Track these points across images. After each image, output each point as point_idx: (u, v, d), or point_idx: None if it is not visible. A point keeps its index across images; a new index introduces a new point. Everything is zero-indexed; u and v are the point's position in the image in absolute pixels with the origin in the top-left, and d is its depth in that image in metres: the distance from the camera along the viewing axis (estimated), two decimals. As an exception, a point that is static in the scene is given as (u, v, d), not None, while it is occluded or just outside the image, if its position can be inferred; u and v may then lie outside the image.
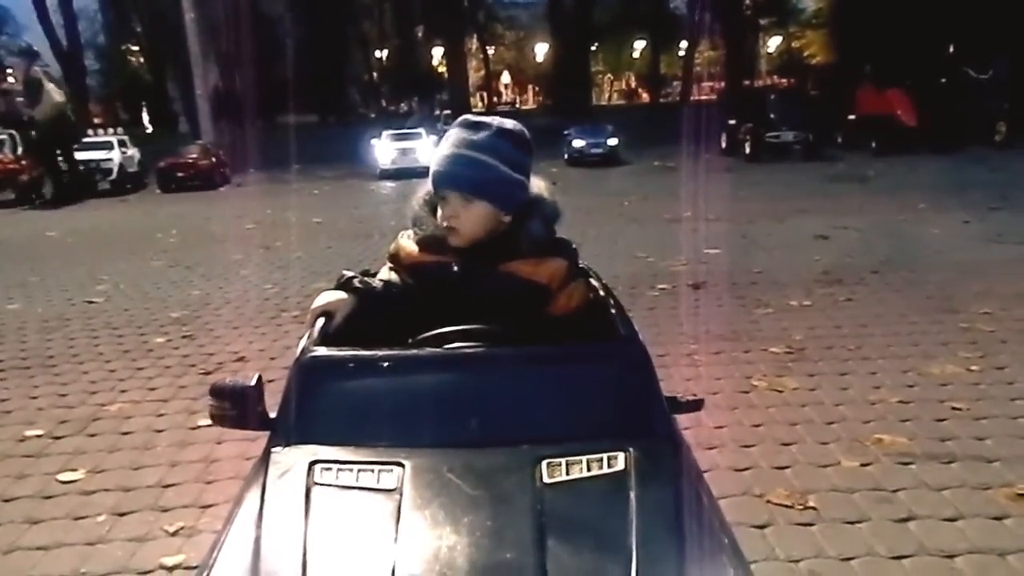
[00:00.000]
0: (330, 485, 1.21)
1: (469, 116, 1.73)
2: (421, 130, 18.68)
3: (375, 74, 53.71)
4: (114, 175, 16.30)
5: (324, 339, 1.54)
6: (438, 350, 1.46)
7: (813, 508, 2.25)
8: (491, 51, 53.49)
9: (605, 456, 1.22)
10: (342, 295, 1.67)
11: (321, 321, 1.61)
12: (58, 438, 3.03)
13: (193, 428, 3.06)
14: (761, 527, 2.16)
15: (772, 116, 17.07)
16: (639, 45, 55.15)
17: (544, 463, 1.21)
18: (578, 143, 18.33)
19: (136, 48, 50.44)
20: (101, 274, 6.49)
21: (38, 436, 3.05)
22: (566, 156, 18.47)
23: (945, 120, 15.41)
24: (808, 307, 4.46)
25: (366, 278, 1.72)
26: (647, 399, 1.39)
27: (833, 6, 36.05)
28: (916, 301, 4.45)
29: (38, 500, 2.52)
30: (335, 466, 1.24)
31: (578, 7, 40.53)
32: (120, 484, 2.60)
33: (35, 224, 10.69)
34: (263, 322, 4.67)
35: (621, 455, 1.23)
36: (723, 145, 18.52)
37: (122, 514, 2.40)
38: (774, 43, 54.12)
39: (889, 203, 8.75)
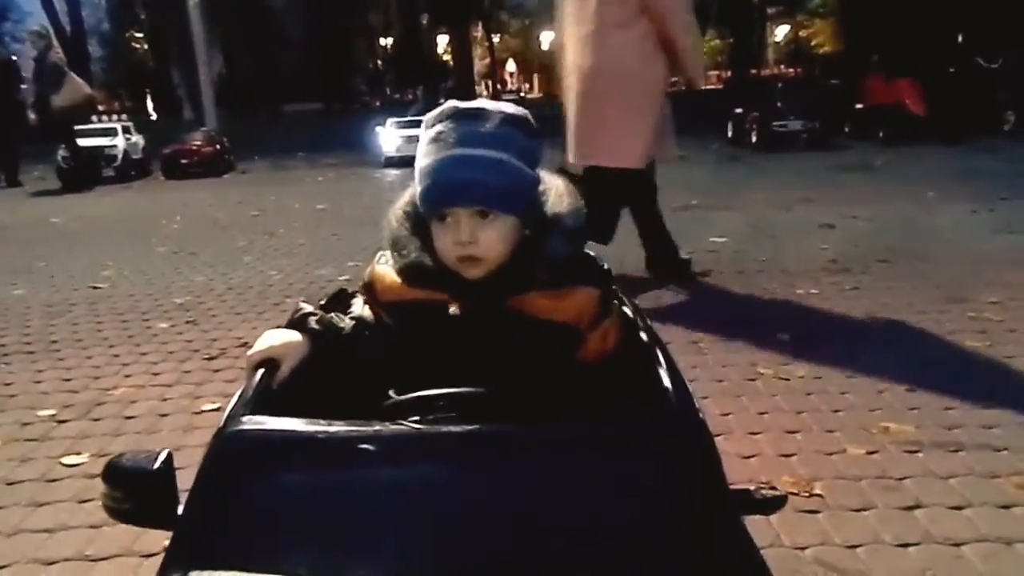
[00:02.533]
0: None
1: (457, 104, 1.27)
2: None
3: (380, 62, 53.59)
4: (118, 162, 16.29)
5: (261, 401, 1.09)
6: (417, 427, 0.98)
7: (819, 495, 2.24)
8: (496, 39, 53.38)
9: None
10: (294, 337, 1.24)
11: (260, 373, 1.16)
12: (62, 422, 3.04)
13: (197, 413, 3.06)
14: (766, 514, 2.15)
15: (779, 105, 16.96)
16: (645, 33, 54.92)
17: None
18: (584, 131, 18.26)
19: (140, 35, 50.43)
20: (105, 260, 6.49)
21: (42, 420, 3.06)
22: (571, 144, 18.42)
23: (954, 110, 15.31)
24: (815, 295, 4.44)
25: (332, 314, 1.31)
26: (711, 504, 0.93)
27: (841, -6, 35.83)
28: (924, 290, 4.42)
29: (42, 483, 2.53)
30: None
31: (584, -5, 40.33)
32: (124, 468, 2.60)
33: (39, 210, 10.69)
34: (266, 308, 4.67)
35: None
36: (729, 134, 18.43)
37: (126, 498, 2.40)
38: (781, 32, 53.86)
39: (897, 192, 8.69)
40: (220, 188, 13.75)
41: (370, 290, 1.34)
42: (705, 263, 5.34)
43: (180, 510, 0.99)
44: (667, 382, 1.09)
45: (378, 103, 48.89)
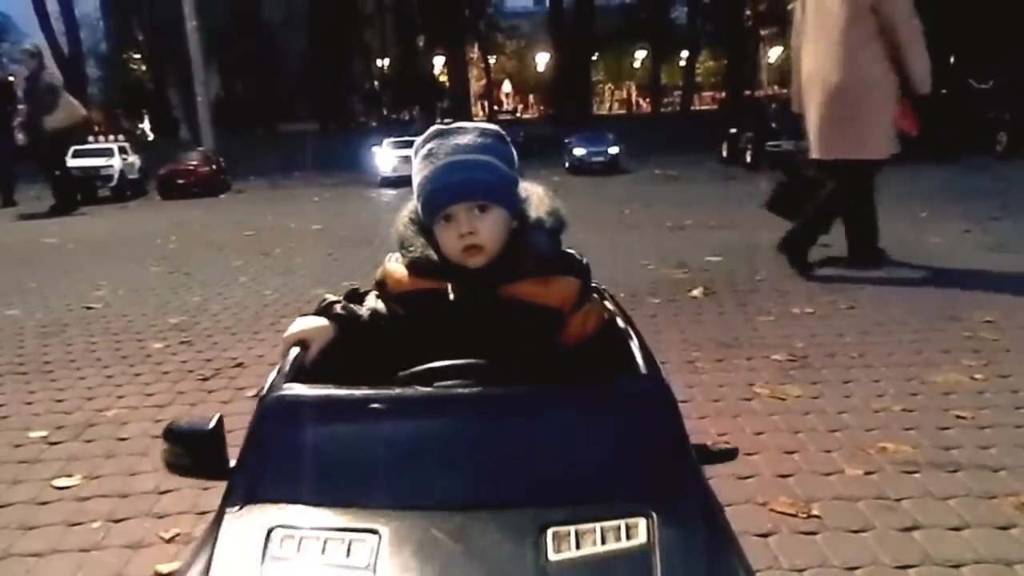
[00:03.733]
0: (290, 560, 0.99)
1: (438, 126, 1.52)
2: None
3: (376, 82, 53.86)
4: (114, 182, 16.36)
5: (296, 374, 1.32)
6: (427, 390, 1.23)
7: (817, 517, 2.22)
8: (492, 60, 53.71)
9: (623, 524, 1.01)
10: (321, 322, 1.45)
11: (295, 352, 1.39)
12: (54, 443, 3.01)
13: (190, 434, 3.04)
14: (764, 536, 2.14)
15: (773, 125, 17.09)
16: (640, 55, 55.36)
17: (550, 532, 1.00)
18: (579, 152, 18.36)
19: (138, 56, 50.66)
20: (100, 280, 6.47)
21: (34, 441, 3.03)
22: (567, 164, 18.50)
23: (946, 130, 15.42)
24: (810, 314, 4.44)
25: (351, 304, 1.52)
26: (674, 452, 1.15)
27: (833, 16, 36.18)
28: (919, 309, 4.43)
29: (33, 506, 2.50)
30: (298, 534, 1.03)
31: (579, 17, 40.75)
32: (116, 490, 2.57)
33: (34, 230, 10.68)
34: (262, 328, 4.65)
35: (642, 523, 1.01)
36: (724, 154, 18.56)
37: (117, 520, 2.37)
38: (775, 53, 54.30)
39: (890, 212, 8.68)
40: (216, 208, 13.76)
41: (382, 286, 1.54)
42: (700, 282, 5.35)
43: (232, 463, 1.21)
44: (638, 355, 1.33)
45: (375, 123, 49.05)
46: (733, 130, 18.49)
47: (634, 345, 1.37)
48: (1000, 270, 5.41)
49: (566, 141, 19.22)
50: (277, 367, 1.34)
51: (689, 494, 1.09)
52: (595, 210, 10.10)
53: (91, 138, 18.65)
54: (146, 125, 52.19)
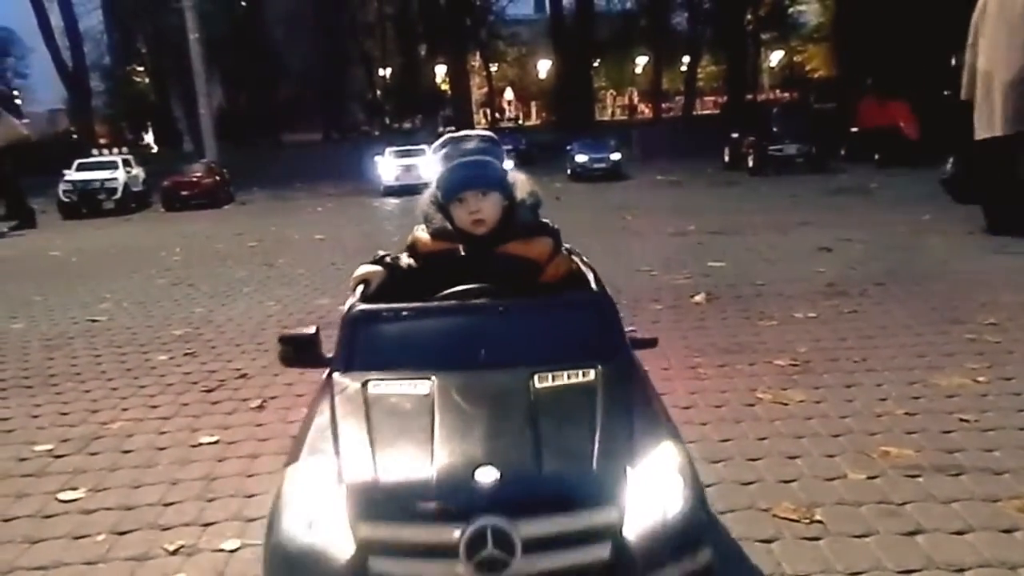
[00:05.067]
0: (381, 393, 1.65)
1: (453, 134, 2.21)
2: (424, 147, 18.73)
3: (378, 92, 53.99)
4: (118, 194, 16.43)
5: (364, 298, 2.01)
6: (455, 302, 1.91)
7: (819, 522, 2.22)
8: (494, 68, 53.74)
9: (580, 371, 1.69)
10: (377, 268, 2.13)
11: (361, 287, 2.08)
12: (59, 456, 3.02)
13: (194, 446, 3.04)
14: (767, 541, 2.13)
15: (775, 129, 17.11)
16: (641, 61, 55.37)
17: (536, 376, 1.66)
18: (581, 158, 18.41)
19: (141, 69, 50.87)
20: (104, 292, 6.50)
21: (39, 455, 3.04)
22: (569, 171, 18.54)
23: (947, 132, 15.38)
24: (813, 319, 4.44)
25: (394, 257, 2.19)
26: (612, 334, 1.85)
27: (835, 20, 36.21)
28: (921, 312, 4.42)
29: (38, 519, 2.50)
30: (383, 382, 1.69)
31: (580, 24, 40.84)
32: (121, 503, 2.58)
33: (38, 243, 10.73)
34: (266, 339, 4.66)
35: (592, 370, 1.70)
36: (726, 159, 18.56)
37: (122, 533, 2.37)
38: (776, 57, 54.36)
39: (893, 215, 8.74)
40: (220, 219, 13.81)
41: (412, 247, 2.20)
42: (702, 288, 5.35)
43: (329, 355, 1.89)
44: (593, 283, 2.04)
45: (377, 132, 49.13)
46: (735, 135, 18.50)
47: (591, 279, 2.06)
48: (1004, 271, 5.39)
49: (568, 148, 19.28)
50: (351, 297, 2.01)
51: (621, 358, 1.80)
52: (597, 217, 10.13)
53: (95, 151, 18.73)
54: (150, 137, 52.39)
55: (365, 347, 1.79)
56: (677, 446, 1.52)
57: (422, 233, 2.17)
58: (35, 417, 3.50)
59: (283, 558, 1.40)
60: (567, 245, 2.22)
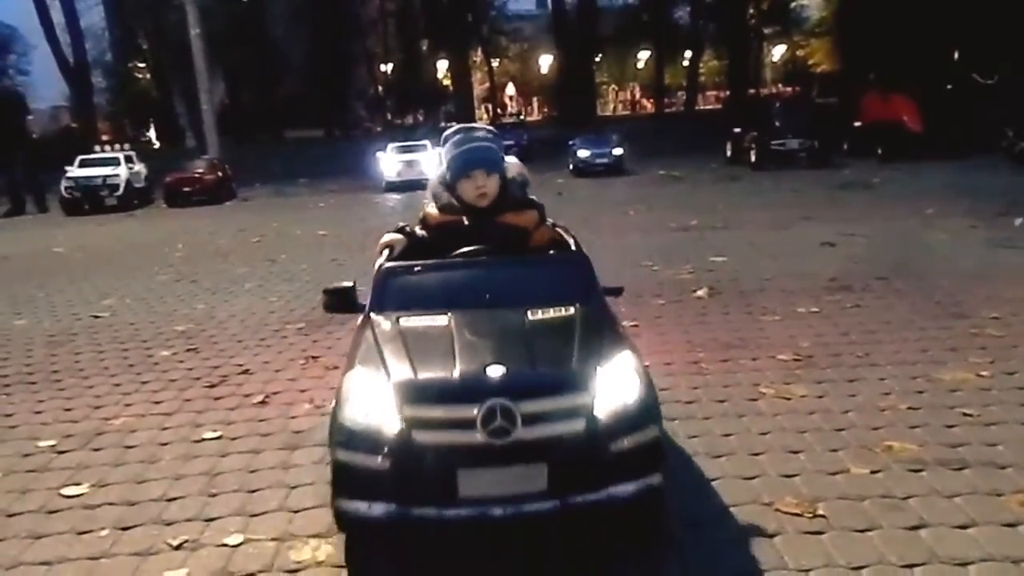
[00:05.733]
0: (411, 324, 2.20)
1: (462, 125, 2.75)
2: (427, 143, 18.69)
3: (380, 88, 53.88)
4: (121, 191, 16.41)
5: (391, 259, 2.49)
6: (465, 259, 2.43)
7: (823, 516, 2.22)
8: (495, 63, 53.58)
9: (563, 308, 2.25)
10: (399, 236, 2.60)
11: (387, 251, 2.55)
12: (62, 452, 3.03)
13: (197, 441, 3.05)
14: (770, 536, 2.13)
15: (777, 124, 17.04)
16: (643, 55, 55.23)
17: (529, 312, 2.22)
18: (583, 153, 18.35)
19: (143, 65, 50.82)
20: (107, 289, 6.51)
21: (42, 451, 3.05)
22: (571, 166, 18.50)
23: (951, 126, 15.35)
24: (816, 314, 4.43)
25: (412, 227, 2.66)
26: (587, 285, 2.39)
27: (837, 14, 36.06)
28: (924, 307, 4.41)
29: (42, 515, 2.51)
30: (412, 317, 2.23)
31: (581, 19, 40.73)
32: (124, 498, 2.59)
33: (42, 240, 10.74)
34: (268, 335, 4.67)
35: (572, 308, 2.25)
36: (728, 154, 18.51)
37: (126, 528, 2.38)
38: (778, 52, 54.15)
39: (896, 209, 8.71)
40: (222, 215, 13.81)
41: (424, 220, 2.66)
42: (705, 283, 5.35)
43: (364, 304, 2.39)
44: (572, 245, 2.60)
45: (379, 128, 49.06)
46: (737, 129, 18.44)
47: (572, 243, 2.62)
48: (1007, 266, 5.38)
49: (570, 143, 19.23)
50: (379, 257, 2.51)
51: (594, 300, 2.35)
52: (600, 212, 10.11)
53: (97, 147, 18.71)
54: (152, 134, 52.35)
55: (395, 294, 2.32)
56: (634, 355, 2.09)
57: (432, 208, 2.64)
58: (38, 413, 3.51)
59: (348, 436, 1.91)
60: (550, 220, 2.74)
